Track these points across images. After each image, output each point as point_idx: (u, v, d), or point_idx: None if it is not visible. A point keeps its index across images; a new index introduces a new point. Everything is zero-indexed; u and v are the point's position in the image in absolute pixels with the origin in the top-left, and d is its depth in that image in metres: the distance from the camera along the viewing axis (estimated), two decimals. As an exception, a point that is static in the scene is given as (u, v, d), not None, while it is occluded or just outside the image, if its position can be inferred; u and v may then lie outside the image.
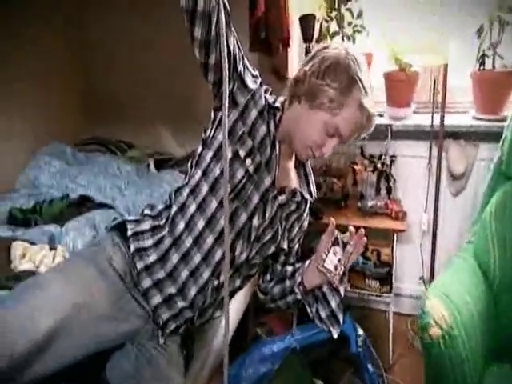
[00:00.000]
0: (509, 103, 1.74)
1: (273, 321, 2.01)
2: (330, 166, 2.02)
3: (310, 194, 1.14)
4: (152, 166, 2.00)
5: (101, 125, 2.43)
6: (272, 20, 1.55)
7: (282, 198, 1.04)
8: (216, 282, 1.00)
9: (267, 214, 1.02)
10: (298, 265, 1.15)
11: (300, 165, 1.14)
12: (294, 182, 1.10)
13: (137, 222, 1.07)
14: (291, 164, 1.11)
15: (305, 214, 1.15)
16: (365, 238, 1.02)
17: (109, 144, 2.28)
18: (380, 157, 1.90)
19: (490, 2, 1.66)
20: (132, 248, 1.02)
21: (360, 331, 1.45)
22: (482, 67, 1.75)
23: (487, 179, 1.49)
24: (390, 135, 1.85)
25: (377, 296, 1.83)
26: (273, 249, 1.08)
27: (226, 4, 0.86)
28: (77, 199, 1.72)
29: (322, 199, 1.96)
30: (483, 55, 1.73)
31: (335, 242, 1.01)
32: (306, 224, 1.18)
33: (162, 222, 1.05)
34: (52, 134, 2.17)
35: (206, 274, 1.00)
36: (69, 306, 0.89)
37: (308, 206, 1.15)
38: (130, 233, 1.03)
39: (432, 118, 1.80)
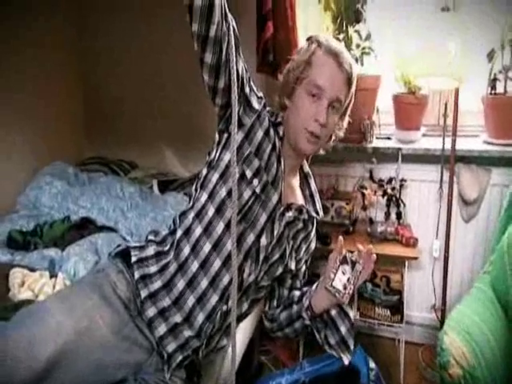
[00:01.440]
0: (522, 128, 1.74)
1: (278, 349, 1.97)
2: (338, 190, 2.01)
3: (317, 213, 1.13)
4: (155, 188, 1.98)
5: (103, 144, 2.43)
6: (280, 41, 1.56)
7: (289, 215, 1.03)
8: (224, 307, 0.98)
9: (275, 233, 1.01)
10: (305, 289, 1.13)
11: (305, 184, 1.15)
12: (300, 198, 1.10)
13: (141, 248, 1.05)
14: (296, 181, 1.12)
15: (312, 234, 1.14)
16: (374, 256, 1.00)
17: (111, 164, 2.27)
18: (389, 181, 1.89)
19: (501, 25, 1.67)
20: (136, 275, 1.00)
21: (372, 364, 1.41)
22: (493, 91, 1.75)
23: (502, 206, 1.47)
24: (399, 159, 1.84)
25: (388, 326, 1.79)
26: (280, 270, 1.06)
27: (236, 29, 0.88)
28: (78, 221, 1.70)
29: (330, 224, 1.94)
30: (494, 79, 1.74)
31: (344, 261, 0.99)
32: (313, 245, 1.16)
33: (167, 248, 1.03)
34: (53, 153, 2.17)
35: (214, 300, 0.97)
36: (70, 333, 0.88)
37: (315, 225, 1.14)
38: (134, 259, 1.02)
39: (443, 141, 1.80)
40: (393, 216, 1.90)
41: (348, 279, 0.98)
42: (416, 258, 1.73)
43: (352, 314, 1.04)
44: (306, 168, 1.17)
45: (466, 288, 1.75)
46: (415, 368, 1.86)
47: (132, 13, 2.16)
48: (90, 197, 1.85)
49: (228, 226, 0.96)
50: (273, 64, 1.63)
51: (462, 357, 0.97)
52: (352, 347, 1.03)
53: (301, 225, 1.08)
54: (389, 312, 1.78)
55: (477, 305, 1.22)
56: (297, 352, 1.88)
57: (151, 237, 1.09)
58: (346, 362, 1.03)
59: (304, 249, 1.13)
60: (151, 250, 1.04)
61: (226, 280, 0.97)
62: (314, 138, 1.00)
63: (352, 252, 1.00)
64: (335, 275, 0.98)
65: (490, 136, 1.80)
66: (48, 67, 2.16)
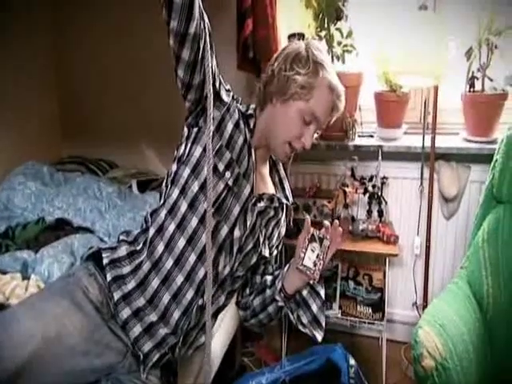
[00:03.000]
0: (499, 125, 1.81)
1: (261, 350, 2.00)
2: (320, 188, 2.06)
3: (287, 199, 1.18)
4: (135, 188, 1.99)
5: (81, 143, 2.43)
6: (260, 39, 1.60)
7: (260, 205, 1.08)
8: (200, 301, 1.02)
9: (248, 223, 1.05)
10: (276, 272, 1.18)
11: (274, 171, 1.20)
12: (270, 187, 1.16)
13: (112, 249, 1.08)
14: (266, 169, 1.17)
15: (282, 220, 1.19)
16: (340, 229, 1.06)
17: (89, 163, 2.28)
18: (371, 178, 1.94)
19: (478, 24, 1.74)
20: (109, 277, 1.02)
21: (352, 361, 1.45)
22: (471, 89, 1.82)
23: (479, 202, 1.54)
24: (380, 156, 1.90)
25: (369, 323, 1.85)
26: (255, 259, 1.11)
27: (209, 25, 0.92)
28: (53, 222, 1.70)
29: (312, 222, 1.97)
30: (472, 77, 1.81)
31: (312, 239, 1.05)
32: (283, 230, 1.21)
33: (139, 247, 1.06)
34: (27, 152, 2.16)
35: (190, 295, 1.01)
36: (39, 340, 0.89)
37: (285, 211, 1.19)
38: (105, 261, 1.05)
39: (423, 139, 1.86)
40: (374, 214, 1.95)
41: (317, 256, 1.04)
42: (396, 255, 1.78)
43: (323, 291, 1.10)
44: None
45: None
46: (397, 366, 1.91)
47: (111, 7, 2.17)
48: (67, 197, 1.85)
49: (201, 220, 1.00)
50: (253, 61, 1.67)
51: (435, 349, 1.02)
52: (324, 324, 1.09)
53: (272, 212, 1.12)
54: (370, 310, 1.83)
55: (452, 299, 1.28)
56: (279, 353, 1.92)
57: (123, 237, 1.12)
58: (319, 339, 1.09)
59: (276, 235, 1.18)
60: (123, 250, 1.07)
61: (201, 274, 1.01)
62: (292, 153, 1.09)
63: (320, 230, 1.06)
64: (305, 254, 1.05)
65: (469, 133, 1.86)
66: (20, 61, 2.15)
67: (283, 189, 1.20)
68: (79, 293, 1.00)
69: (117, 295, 1.01)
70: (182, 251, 1.01)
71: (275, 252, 1.22)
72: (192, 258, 1.01)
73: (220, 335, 1.52)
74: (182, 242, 1.01)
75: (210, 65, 0.85)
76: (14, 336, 0.88)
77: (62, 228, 1.68)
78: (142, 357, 1.01)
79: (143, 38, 2.12)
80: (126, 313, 1.01)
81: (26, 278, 1.29)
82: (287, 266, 1.14)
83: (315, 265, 1.04)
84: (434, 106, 1.83)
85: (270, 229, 1.15)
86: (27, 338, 0.89)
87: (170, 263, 1.01)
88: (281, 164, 1.22)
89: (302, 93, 1.03)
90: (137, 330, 1.01)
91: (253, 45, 1.59)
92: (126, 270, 1.04)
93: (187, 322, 1.02)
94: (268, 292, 1.15)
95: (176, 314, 1.02)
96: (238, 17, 1.62)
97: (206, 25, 0.91)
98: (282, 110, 1.05)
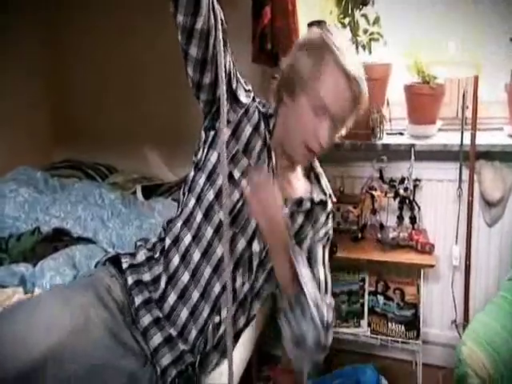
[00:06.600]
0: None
1: (278, 374, 2.02)
2: (344, 192, 2.07)
3: (325, 194, 1.17)
4: (139, 194, 2.04)
5: (75, 146, 2.47)
6: (279, 29, 1.64)
7: (284, 212, 1.05)
8: (217, 319, 1.05)
9: None
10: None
11: (309, 169, 1.20)
12: (300, 190, 1.15)
13: (131, 255, 1.13)
14: (295, 172, 1.16)
15: (321, 219, 1.16)
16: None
17: (86, 168, 2.32)
18: (402, 181, 1.95)
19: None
20: (130, 280, 1.08)
21: (385, 382, 1.47)
22: (517, 78, 1.83)
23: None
24: (412, 156, 1.91)
25: (402, 343, 1.85)
26: None
27: (224, 21, 0.95)
28: (51, 233, 1.74)
29: (336, 230, 1.99)
30: (518, 65, 1.82)
31: None
32: (325, 231, 1.18)
33: (157, 255, 1.11)
34: (17, 157, 2.20)
35: (206, 312, 1.04)
36: (66, 327, 0.94)
37: (329, 207, 1.17)
38: (125, 265, 1.10)
39: (462, 136, 1.86)
40: (406, 220, 1.96)
41: None
42: (432, 266, 1.79)
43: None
44: None
45: (491, 300, 1.81)
46: (435, 394, 1.92)
47: (112, 7, 2.23)
48: (64, 205, 1.89)
49: (217, 231, 1.03)
50: (271, 54, 1.70)
51: (482, 369, 1.04)
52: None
53: (301, 218, 1.12)
54: (403, 328, 1.85)
55: (499, 313, 1.29)
56: (299, 377, 1.93)
57: (140, 243, 1.17)
58: None
59: (316, 246, 1.15)
60: (142, 256, 1.12)
61: (217, 289, 1.04)
62: (311, 154, 1.09)
63: None
64: None
65: (516, 129, 1.87)
66: (11, 61, 2.21)
67: (320, 185, 1.20)
68: (103, 289, 1.05)
69: (138, 300, 1.06)
70: (197, 265, 1.04)
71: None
72: (207, 271, 1.04)
73: (235, 358, 1.54)
74: (197, 255, 1.04)
75: (223, 63, 0.88)
76: (41, 321, 0.93)
77: (60, 239, 1.72)
78: (159, 371, 1.03)
79: (145, 38, 2.20)
80: (147, 319, 1.05)
81: (27, 292, 1.33)
82: None
83: None
84: (474, 99, 1.84)
85: (304, 236, 1.14)
86: (55, 325, 0.93)
87: (186, 277, 1.05)
88: (317, 161, 1.22)
89: (307, 83, 1.02)
90: (157, 339, 1.04)
91: (271, 35, 1.63)
92: (146, 277, 1.08)
93: (204, 341, 1.05)
94: None
95: (193, 333, 1.05)
96: (253, 5, 1.66)
97: (217, 20, 0.93)
98: (292, 109, 1.06)
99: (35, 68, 2.40)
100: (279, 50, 1.67)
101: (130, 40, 2.26)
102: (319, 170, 1.22)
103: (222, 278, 1.03)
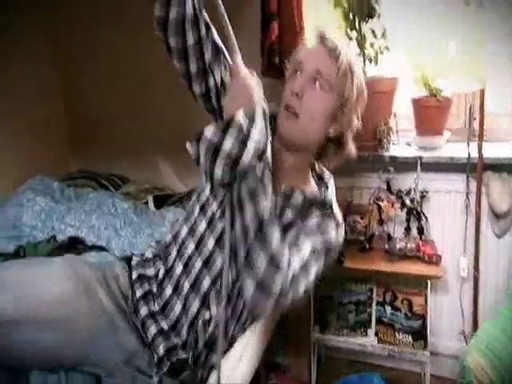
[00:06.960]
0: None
1: (286, 382, 2.04)
2: (351, 203, 2.09)
3: (327, 187, 1.16)
4: (151, 204, 2.10)
5: (90, 156, 2.56)
6: (286, 44, 1.68)
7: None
8: (207, 315, 1.08)
9: None
10: None
11: (319, 179, 1.20)
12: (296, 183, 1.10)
13: (142, 254, 1.22)
14: (300, 173, 1.14)
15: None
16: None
17: (100, 178, 2.40)
18: (409, 192, 1.97)
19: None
20: (134, 275, 1.15)
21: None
22: (523, 90, 1.85)
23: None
24: (419, 167, 1.93)
25: (410, 353, 1.86)
26: None
27: (210, 30, 1.04)
28: (66, 241, 1.81)
29: (343, 240, 2.02)
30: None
31: None
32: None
33: (161, 252, 1.20)
34: (34, 167, 2.29)
35: (196, 306, 1.08)
36: (72, 285, 1.03)
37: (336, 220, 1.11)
38: (134, 262, 1.19)
39: (468, 147, 1.88)
40: (413, 231, 1.98)
41: None
42: (439, 277, 1.80)
43: None
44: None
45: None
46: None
47: (125, 10, 2.30)
48: (79, 214, 1.96)
49: (209, 223, 1.09)
50: (280, 67, 1.75)
51: (486, 378, 1.05)
52: None
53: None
54: (411, 338, 1.85)
55: (505, 325, 1.30)
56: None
57: (152, 243, 1.27)
58: None
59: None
60: (149, 253, 1.21)
61: (206, 283, 1.08)
62: (291, 113, 1.04)
63: None
64: None
65: (522, 140, 1.88)
66: (28, 73, 2.29)
67: (325, 184, 1.17)
68: (111, 277, 1.13)
69: (139, 292, 1.12)
70: (190, 255, 1.10)
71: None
72: (198, 264, 1.09)
73: (242, 365, 1.57)
74: (191, 247, 1.10)
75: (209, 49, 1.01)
76: (51, 273, 1.05)
77: (75, 247, 1.79)
78: (156, 359, 1.07)
79: (161, 44, 2.24)
80: (144, 311, 1.11)
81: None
82: None
83: None
84: (481, 111, 1.86)
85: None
86: (62, 280, 1.04)
87: (180, 269, 1.11)
88: (326, 171, 1.22)
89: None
90: (153, 330, 1.09)
91: (279, 50, 1.67)
92: (150, 272, 1.16)
93: (194, 337, 1.09)
94: None
95: (185, 327, 1.09)
96: (262, 20, 1.72)
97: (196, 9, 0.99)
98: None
99: (48, 79, 2.50)
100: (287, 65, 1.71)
101: (145, 46, 2.25)
102: (328, 174, 1.22)
103: (211, 271, 1.08)
